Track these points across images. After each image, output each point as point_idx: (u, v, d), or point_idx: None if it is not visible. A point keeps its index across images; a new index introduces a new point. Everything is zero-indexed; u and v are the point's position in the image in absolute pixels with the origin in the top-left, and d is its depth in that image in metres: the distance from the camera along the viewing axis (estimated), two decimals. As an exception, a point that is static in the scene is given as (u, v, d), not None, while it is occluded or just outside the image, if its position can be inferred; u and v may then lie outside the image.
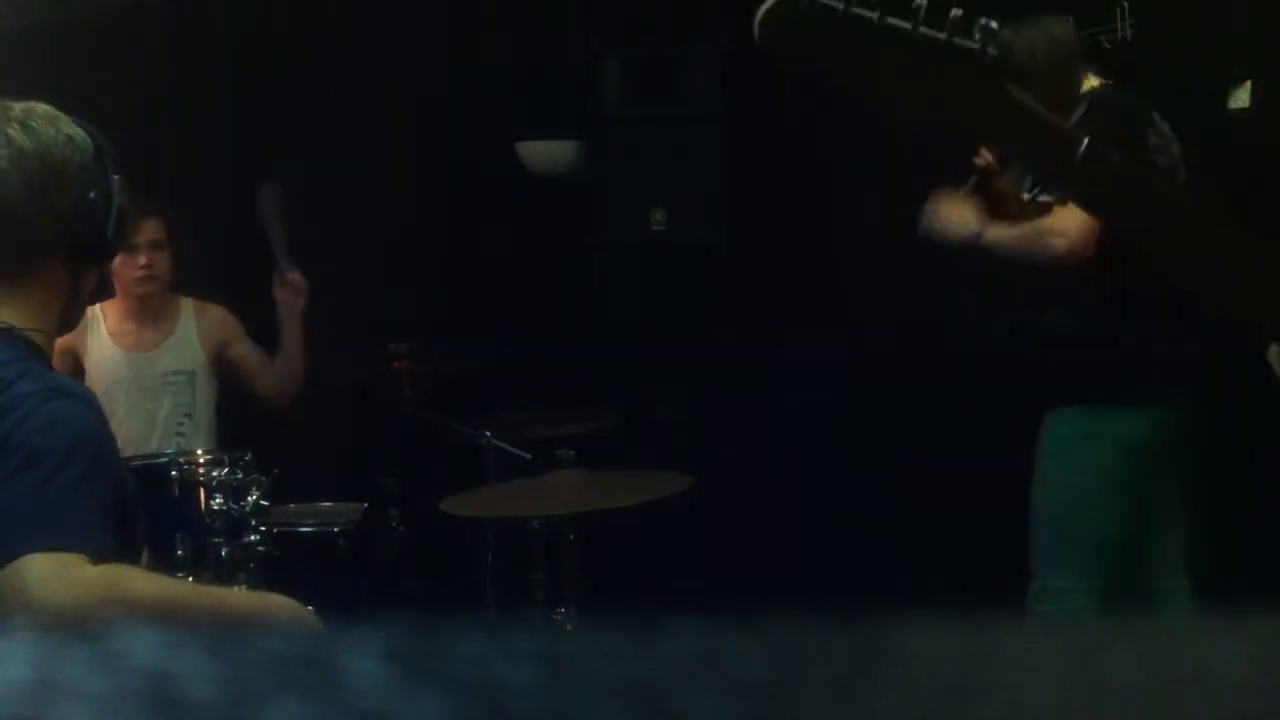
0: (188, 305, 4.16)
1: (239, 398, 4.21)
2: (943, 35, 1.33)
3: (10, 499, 1.81)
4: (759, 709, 0.43)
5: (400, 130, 5.03)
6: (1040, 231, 3.17)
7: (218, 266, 4.73)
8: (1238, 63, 3.99)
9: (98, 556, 1.80)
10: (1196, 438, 3.37)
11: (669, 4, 4.98)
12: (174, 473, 3.36)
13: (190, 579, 3.09)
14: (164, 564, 2.87)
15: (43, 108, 2.00)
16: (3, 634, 0.45)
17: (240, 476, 3.29)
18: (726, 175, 4.73)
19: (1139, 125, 3.19)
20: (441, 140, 5.02)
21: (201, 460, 3.41)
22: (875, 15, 1.31)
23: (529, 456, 3.82)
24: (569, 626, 0.50)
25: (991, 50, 1.34)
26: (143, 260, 3.95)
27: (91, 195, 1.98)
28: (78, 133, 1.99)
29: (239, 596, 2.70)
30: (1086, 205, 1.55)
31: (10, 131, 1.95)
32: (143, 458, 3.55)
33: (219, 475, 3.29)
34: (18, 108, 1.98)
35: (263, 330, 4.25)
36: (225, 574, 3.18)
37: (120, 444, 2.23)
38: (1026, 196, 3.14)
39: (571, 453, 3.45)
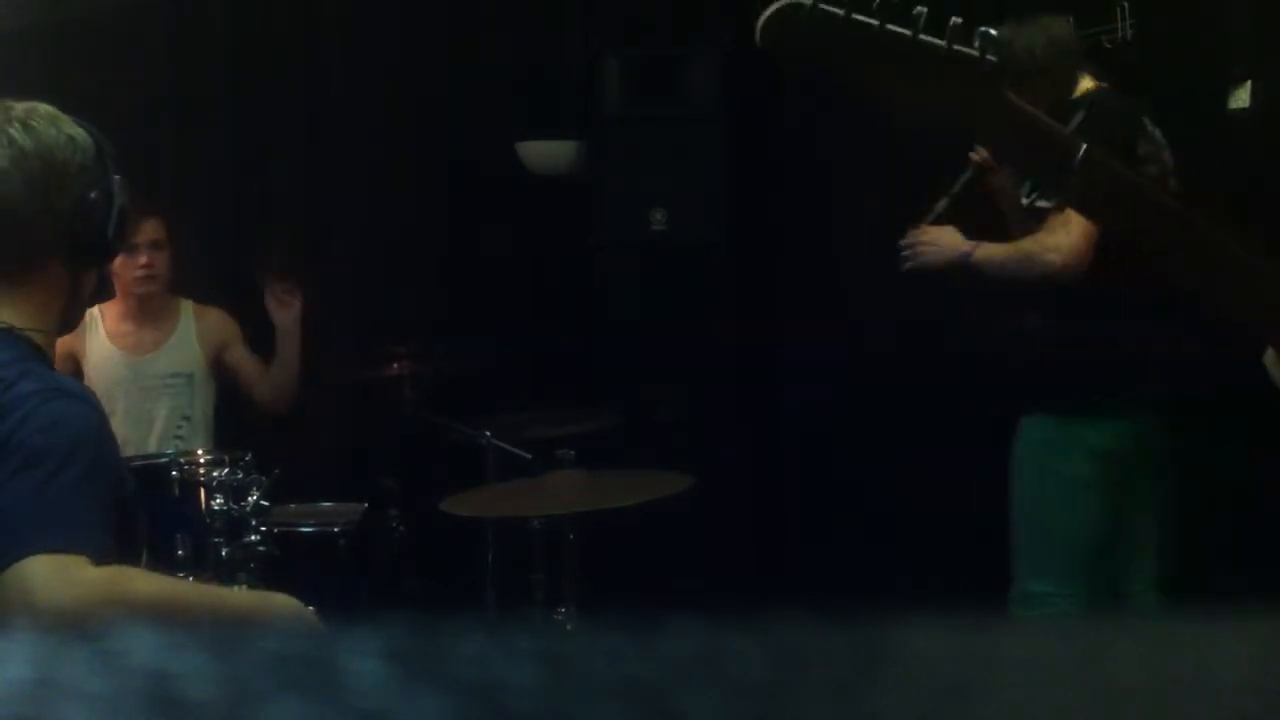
0: (187, 307, 4.16)
1: (239, 399, 4.21)
2: (943, 42, 1.33)
3: (11, 499, 1.81)
4: (759, 709, 0.43)
5: (400, 130, 5.03)
6: (1035, 250, 3.17)
7: (217, 267, 4.74)
8: (1238, 63, 3.99)
9: (99, 557, 1.80)
10: (1171, 445, 3.38)
11: (669, 4, 4.98)
12: (174, 473, 3.36)
13: (190, 579, 3.09)
14: (164, 564, 2.87)
15: (44, 108, 2.00)
16: (3, 634, 0.45)
17: (240, 476, 3.29)
18: (726, 175, 4.73)
19: (1132, 132, 3.19)
20: (441, 140, 5.02)
21: (202, 460, 3.41)
22: (876, 22, 1.32)
23: (529, 456, 3.82)
24: (569, 626, 0.50)
25: (991, 57, 1.35)
26: (143, 260, 3.95)
27: (92, 195, 1.98)
28: (79, 133, 1.99)
29: (240, 596, 2.70)
30: (1084, 210, 1.56)
31: (11, 131, 1.95)
32: (143, 458, 3.56)
33: (219, 475, 3.29)
34: (19, 108, 1.98)
35: (262, 331, 4.26)
36: (225, 574, 3.18)
37: (118, 445, 2.23)
38: (1025, 202, 3.13)
39: (571, 453, 3.45)
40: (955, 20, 1.34)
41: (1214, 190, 3.33)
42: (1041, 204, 3.09)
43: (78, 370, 3.89)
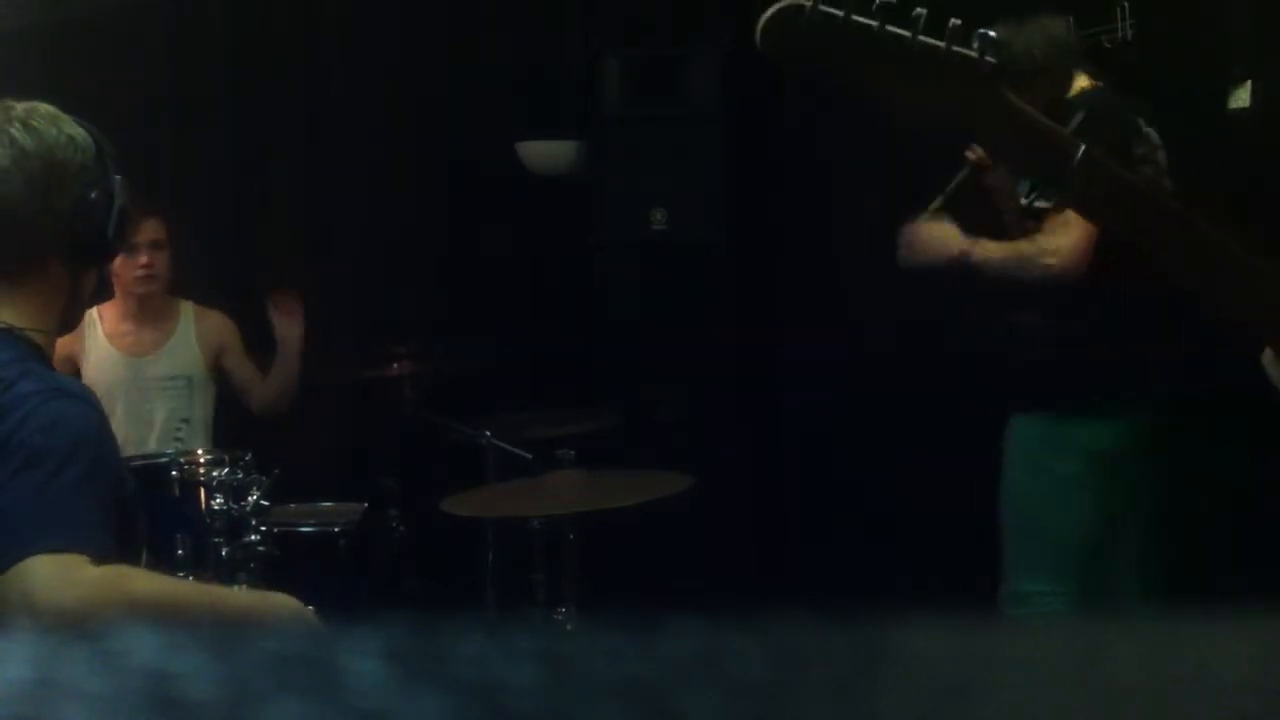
0: (187, 309, 4.16)
1: (237, 401, 4.22)
2: (942, 44, 1.34)
3: (12, 499, 1.81)
4: (759, 709, 0.43)
5: (400, 130, 5.04)
6: (1033, 252, 3.16)
7: (217, 267, 4.74)
8: (1238, 63, 3.99)
9: (99, 557, 1.80)
10: (1165, 445, 3.38)
11: (669, 4, 4.98)
12: (174, 473, 3.36)
13: (190, 579, 3.09)
14: (164, 564, 2.87)
15: (45, 108, 2.00)
16: (3, 634, 0.45)
17: (240, 476, 3.29)
18: (726, 175, 4.73)
19: (1127, 132, 3.19)
20: (441, 140, 5.02)
21: (202, 460, 3.41)
22: (876, 24, 1.32)
23: (529, 456, 3.82)
24: (569, 626, 0.50)
25: (990, 58, 1.35)
26: (143, 260, 3.95)
27: (93, 195, 1.98)
28: (79, 133, 1.99)
29: (240, 596, 2.70)
30: (1083, 211, 1.56)
31: (12, 131, 1.95)
32: (143, 458, 3.56)
33: (219, 475, 3.29)
34: (20, 107, 1.98)
35: (263, 332, 4.26)
36: (225, 574, 3.18)
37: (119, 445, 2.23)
38: (1024, 202, 3.13)
39: (571, 453, 3.45)
40: (954, 21, 1.34)
41: (1214, 190, 3.33)
42: (1040, 204, 3.09)
43: (76, 373, 3.88)
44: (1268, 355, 1.71)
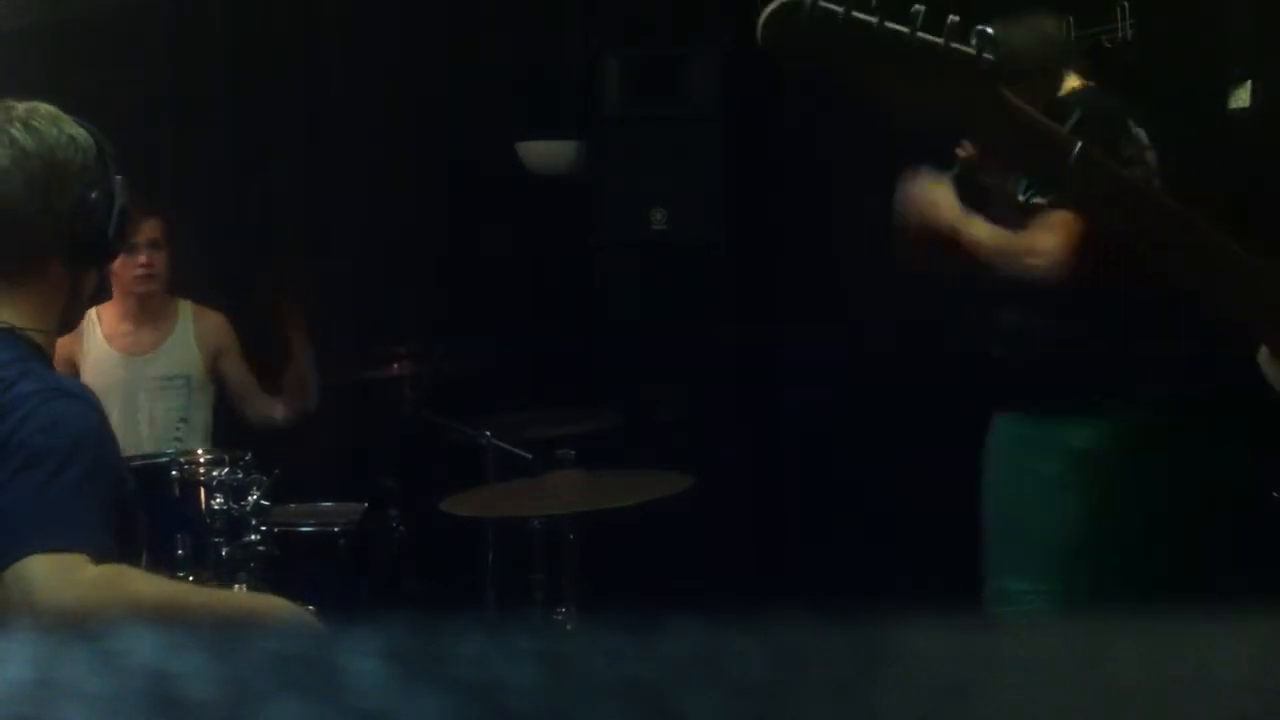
0: (186, 308, 4.16)
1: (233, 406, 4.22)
2: (940, 40, 1.34)
3: (12, 499, 1.81)
4: (759, 709, 0.43)
5: (400, 130, 5.04)
6: (1019, 248, 3.15)
7: (217, 267, 4.74)
8: (1238, 63, 3.99)
9: (99, 557, 1.80)
10: (1147, 445, 3.38)
11: (669, 4, 4.98)
12: (174, 473, 3.36)
13: (190, 579, 3.09)
14: (164, 564, 2.87)
15: (45, 108, 2.00)
16: (3, 634, 0.45)
17: (240, 476, 3.29)
18: (726, 175, 4.73)
19: (1117, 133, 3.19)
20: (441, 140, 5.02)
21: (202, 460, 3.41)
22: (875, 20, 1.33)
23: (529, 456, 3.82)
24: (569, 626, 0.50)
25: (988, 55, 1.36)
26: (142, 259, 3.95)
27: (93, 196, 1.98)
28: (80, 133, 1.99)
29: (239, 597, 2.70)
30: (1080, 209, 1.57)
31: (13, 131, 1.95)
32: (143, 458, 3.55)
33: (219, 475, 3.29)
34: (20, 107, 1.98)
35: (262, 331, 4.26)
36: (225, 574, 3.18)
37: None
38: (1021, 198, 3.13)
39: (571, 453, 3.45)
40: (953, 18, 1.35)
41: (1214, 190, 3.33)
42: (1037, 200, 3.09)
43: (75, 374, 3.88)
44: (1263, 353, 1.71)
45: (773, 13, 1.33)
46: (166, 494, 3.31)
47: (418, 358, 4.25)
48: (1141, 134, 3.26)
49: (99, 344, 4.02)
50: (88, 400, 1.97)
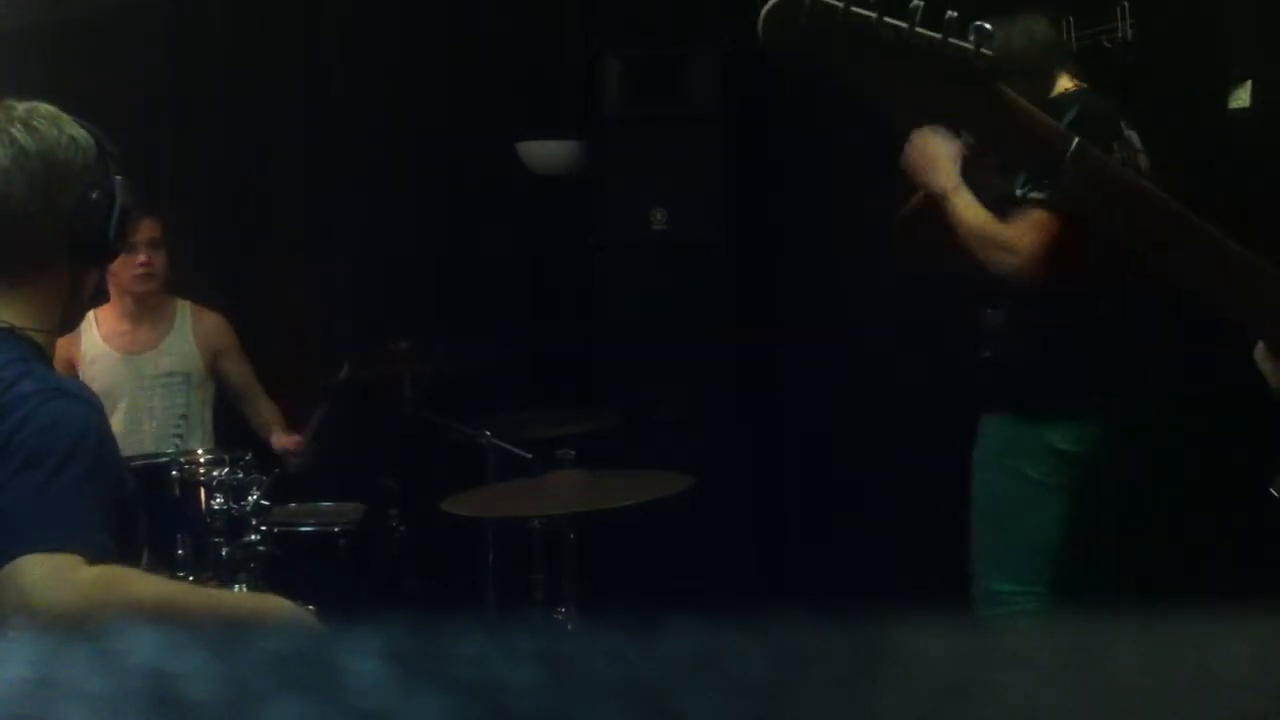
0: (184, 308, 4.16)
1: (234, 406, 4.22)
2: (938, 35, 1.35)
3: (11, 499, 1.81)
4: (759, 709, 0.43)
5: (400, 130, 5.03)
6: (995, 240, 3.14)
7: (217, 267, 4.74)
8: (1238, 63, 3.99)
9: (97, 557, 1.80)
10: (1136, 447, 3.38)
11: (669, 4, 4.98)
12: (174, 473, 3.36)
13: (190, 579, 3.10)
14: (164, 564, 2.87)
15: (46, 108, 2.00)
16: (3, 634, 0.45)
17: (240, 476, 3.29)
18: (726, 175, 4.73)
19: (1109, 134, 3.18)
20: (441, 140, 5.02)
21: (202, 460, 3.41)
22: (874, 15, 1.33)
23: (529, 456, 3.82)
24: (569, 626, 0.50)
25: (985, 51, 1.36)
26: (141, 258, 3.96)
27: (94, 196, 1.98)
28: (80, 133, 1.99)
29: (238, 598, 2.70)
30: (1076, 206, 1.57)
31: (13, 131, 1.94)
32: (143, 457, 3.56)
33: (219, 475, 3.30)
34: (21, 108, 1.98)
35: (262, 330, 4.26)
36: (225, 574, 3.18)
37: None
38: (1019, 193, 3.13)
39: (571, 453, 3.45)
40: (951, 14, 1.35)
41: (1214, 190, 3.33)
42: (1034, 196, 3.09)
43: (73, 376, 3.88)
44: (1260, 350, 1.71)
45: (772, 9, 1.33)
46: (166, 494, 3.32)
47: (418, 358, 4.25)
48: (1134, 136, 3.26)
49: (97, 344, 4.02)
50: (88, 400, 1.96)
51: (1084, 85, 3.28)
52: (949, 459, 3.56)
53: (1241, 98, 3.88)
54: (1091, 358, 3.27)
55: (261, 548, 3.24)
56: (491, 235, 4.98)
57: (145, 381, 4.03)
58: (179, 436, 3.97)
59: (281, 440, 4.10)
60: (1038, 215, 3.08)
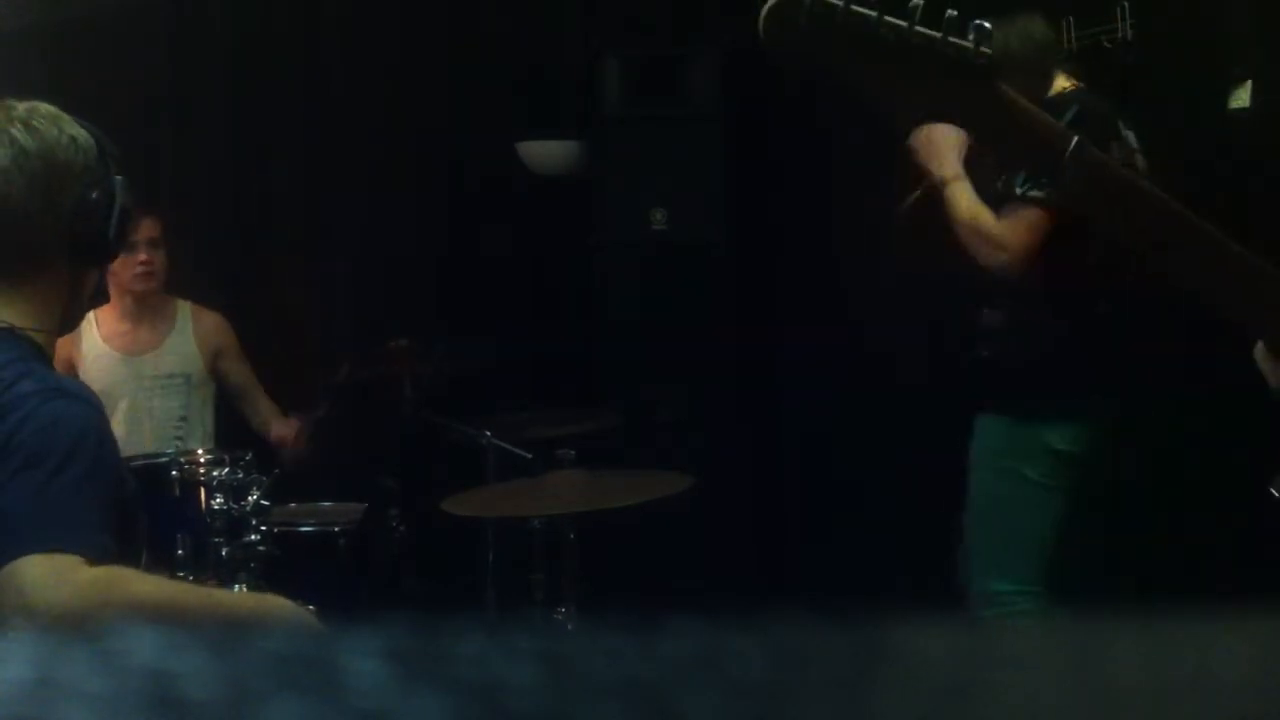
0: (185, 308, 4.17)
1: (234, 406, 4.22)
2: (938, 34, 1.35)
3: (11, 499, 1.81)
4: (759, 709, 0.43)
5: (400, 130, 5.03)
6: (985, 234, 3.15)
7: (217, 267, 4.74)
8: (1238, 63, 3.99)
9: (97, 557, 1.80)
10: (1133, 447, 3.38)
11: (669, 4, 4.98)
12: (174, 473, 3.36)
13: (190, 579, 3.10)
14: (164, 564, 2.87)
15: (45, 108, 2.00)
16: (3, 634, 0.45)
17: (240, 476, 3.29)
18: (726, 175, 4.73)
19: (1107, 134, 3.19)
20: (441, 140, 5.02)
21: (202, 460, 3.41)
22: (875, 14, 1.34)
23: (529, 456, 3.82)
24: (569, 626, 0.50)
25: (985, 49, 1.37)
26: (142, 257, 3.96)
27: (94, 196, 1.98)
28: (80, 133, 1.99)
29: (238, 598, 2.70)
30: (1075, 204, 1.57)
31: (13, 131, 1.94)
32: (143, 458, 3.56)
33: (219, 475, 3.29)
34: (20, 107, 1.98)
35: (262, 330, 4.26)
36: (225, 574, 3.18)
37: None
38: (1019, 191, 3.13)
39: (571, 453, 3.45)
40: (951, 13, 1.36)
41: (1214, 190, 3.33)
42: (1034, 194, 3.09)
43: (73, 376, 3.88)
44: (1260, 349, 1.71)
45: (773, 8, 1.33)
46: (166, 494, 3.32)
47: (418, 358, 4.25)
48: (1131, 136, 3.27)
49: (97, 344, 4.02)
50: (88, 400, 1.96)
51: (1081, 85, 3.29)
52: (949, 459, 3.56)
53: (1241, 98, 3.88)
54: (1091, 358, 3.27)
55: (261, 548, 3.23)
56: (491, 235, 4.98)
57: (146, 382, 4.04)
58: (180, 437, 3.97)
59: (280, 430, 4.09)
60: (1030, 213, 3.09)
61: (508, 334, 4.76)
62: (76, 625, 0.43)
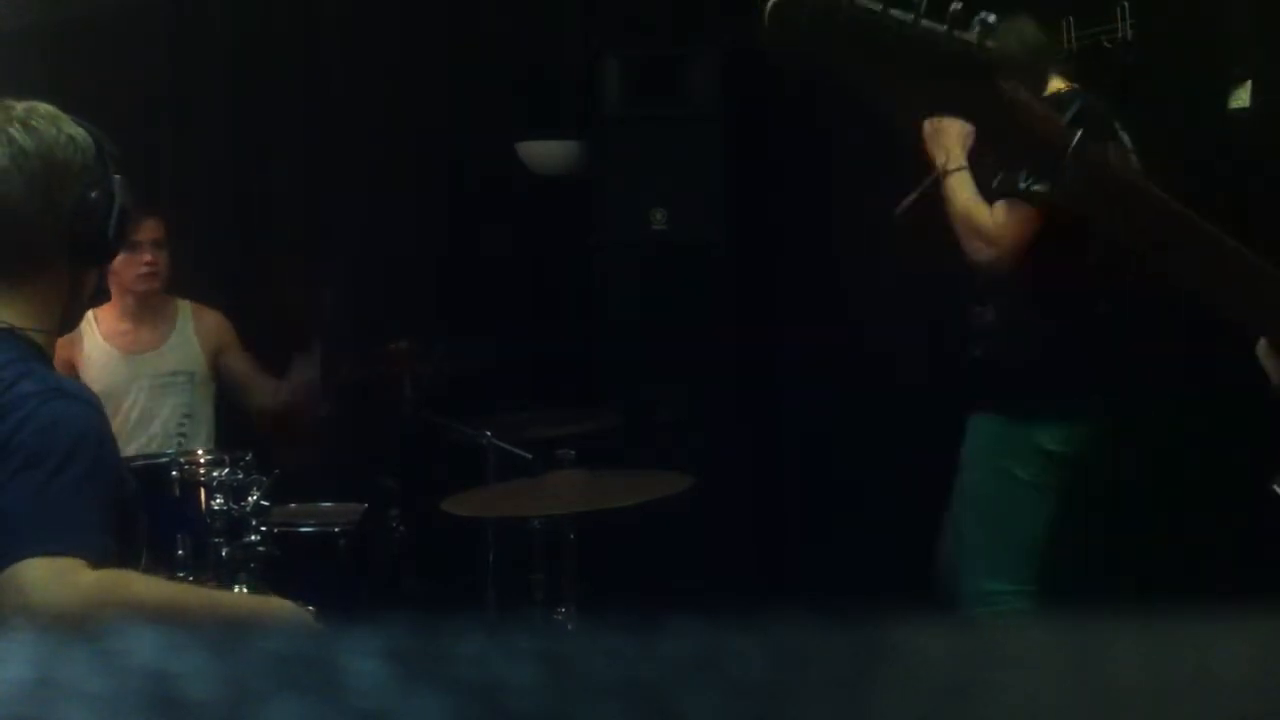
0: (185, 307, 4.17)
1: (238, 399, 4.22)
2: (943, 28, 1.35)
3: (11, 500, 1.81)
4: (759, 709, 0.43)
5: (400, 130, 5.03)
6: (978, 229, 3.16)
7: (217, 267, 4.74)
8: (1238, 63, 3.99)
9: (97, 559, 1.80)
10: (1127, 447, 3.39)
11: (669, 4, 4.98)
12: (174, 473, 3.36)
13: (190, 579, 3.09)
14: (164, 564, 2.87)
15: (44, 107, 2.00)
16: (3, 634, 0.45)
17: (240, 476, 3.29)
18: (726, 175, 4.73)
19: (1106, 135, 3.19)
20: (441, 140, 5.02)
21: (202, 460, 3.41)
22: (879, 7, 1.33)
23: (529, 456, 3.82)
24: (569, 626, 0.50)
25: (989, 43, 1.36)
26: (146, 258, 3.98)
27: (93, 195, 1.97)
28: (79, 132, 1.99)
29: (239, 600, 2.70)
30: (1076, 201, 1.57)
31: (12, 131, 1.94)
32: (143, 458, 3.56)
33: (219, 475, 3.29)
34: (19, 107, 1.98)
35: (262, 330, 4.25)
36: (225, 574, 3.18)
37: (120, 445, 2.23)
38: (1022, 186, 3.14)
39: (571, 453, 3.45)
40: (955, 6, 1.35)
41: (1214, 190, 3.33)
42: (1036, 189, 3.09)
43: (75, 376, 3.89)
44: (1262, 346, 1.71)
45: (777, 3, 1.33)
46: (166, 494, 3.31)
47: (418, 358, 4.25)
48: (1125, 137, 3.27)
49: (99, 344, 4.03)
50: (88, 401, 1.96)
51: (1075, 87, 3.29)
52: (949, 459, 3.57)
53: (1241, 98, 3.88)
54: (1090, 358, 3.27)
55: (261, 548, 3.23)
56: (491, 235, 4.98)
57: (149, 381, 4.04)
58: (183, 435, 3.98)
59: (296, 376, 4.06)
60: (1023, 210, 3.10)
61: (508, 334, 4.76)
62: (76, 627, 0.43)
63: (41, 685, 0.42)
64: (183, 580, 3.05)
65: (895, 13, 1.34)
